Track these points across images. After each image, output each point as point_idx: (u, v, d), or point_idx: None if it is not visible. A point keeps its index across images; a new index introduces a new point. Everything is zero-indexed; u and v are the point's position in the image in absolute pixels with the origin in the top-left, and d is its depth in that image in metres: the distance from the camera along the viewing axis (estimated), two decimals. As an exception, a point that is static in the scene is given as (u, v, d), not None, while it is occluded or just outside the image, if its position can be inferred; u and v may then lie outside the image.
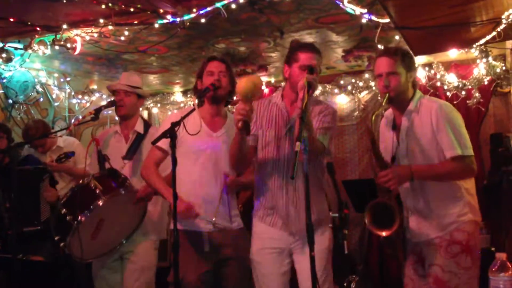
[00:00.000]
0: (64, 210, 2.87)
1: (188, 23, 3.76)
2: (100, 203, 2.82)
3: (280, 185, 2.55)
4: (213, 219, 2.71)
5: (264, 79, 5.83)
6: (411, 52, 2.71)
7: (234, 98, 3.10)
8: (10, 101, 4.94)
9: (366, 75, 5.29)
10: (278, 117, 2.63)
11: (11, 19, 3.80)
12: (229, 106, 5.12)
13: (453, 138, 2.49)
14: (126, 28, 3.94)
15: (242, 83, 2.38)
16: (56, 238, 2.87)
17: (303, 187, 2.51)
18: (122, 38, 4.11)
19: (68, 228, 2.80)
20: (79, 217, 2.79)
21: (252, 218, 2.74)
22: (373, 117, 2.57)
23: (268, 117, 2.66)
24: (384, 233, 2.50)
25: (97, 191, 2.87)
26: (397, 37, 4.10)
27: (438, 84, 4.94)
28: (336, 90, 5.45)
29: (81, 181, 2.98)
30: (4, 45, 4.29)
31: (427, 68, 4.97)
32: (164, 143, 2.60)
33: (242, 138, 2.46)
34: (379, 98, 5.25)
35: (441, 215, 2.56)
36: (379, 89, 2.66)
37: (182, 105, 6.36)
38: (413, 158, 2.58)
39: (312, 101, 2.63)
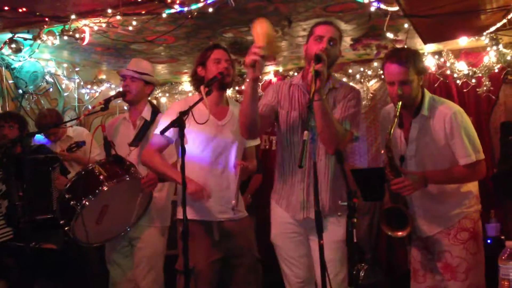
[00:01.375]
0: (68, 195, 2.90)
1: (195, 13, 3.75)
2: (104, 188, 2.86)
3: (302, 168, 2.48)
4: (233, 201, 2.69)
5: (272, 68, 5.81)
6: (419, 52, 2.70)
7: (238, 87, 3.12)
8: (20, 91, 4.98)
9: (375, 64, 5.25)
10: (300, 98, 2.61)
11: (20, 10, 3.82)
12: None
13: (467, 145, 2.54)
14: (134, 18, 3.94)
15: (264, 24, 2.28)
16: (62, 222, 2.92)
17: (326, 171, 2.53)
18: (130, 28, 4.12)
19: (72, 212, 2.85)
20: (83, 202, 2.82)
21: (270, 200, 2.75)
22: (391, 131, 2.56)
23: (291, 99, 2.63)
24: (398, 234, 2.59)
25: (101, 177, 2.90)
26: (406, 25, 4.06)
27: (448, 72, 4.89)
28: (344, 79, 5.42)
29: (85, 167, 3.02)
30: (13, 36, 4.31)
31: (436, 56, 4.93)
32: (168, 131, 2.60)
33: (253, 83, 2.32)
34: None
35: (449, 211, 2.63)
36: (391, 96, 2.66)
37: (190, 94, 6.36)
38: (422, 159, 2.63)
39: (337, 83, 2.62)
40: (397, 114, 2.55)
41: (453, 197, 2.63)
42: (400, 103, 2.55)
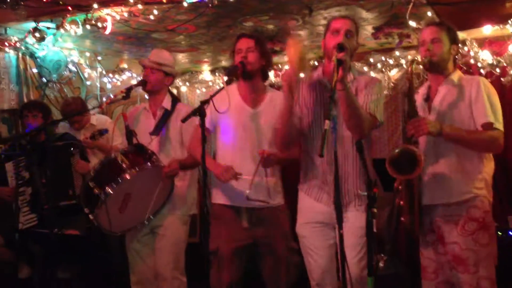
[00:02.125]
0: (92, 183, 2.96)
1: (216, 1, 3.75)
2: (127, 177, 2.91)
3: (328, 160, 2.52)
4: (247, 191, 2.71)
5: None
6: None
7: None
8: (44, 80, 5.05)
9: (397, 53, 5.18)
10: (322, 92, 2.62)
11: (44, -1, 3.87)
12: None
13: (488, 107, 2.53)
14: (155, 7, 3.95)
15: (294, 49, 2.41)
16: (86, 210, 2.98)
17: (351, 162, 2.56)
18: (151, 17, 4.13)
19: (96, 200, 2.90)
20: (106, 190, 2.87)
21: (298, 192, 2.77)
22: (413, 65, 2.59)
23: (312, 93, 2.65)
24: (406, 176, 2.51)
25: (124, 165, 2.95)
26: (429, 13, 4.00)
27: (472, 61, 4.81)
28: (365, 68, 5.36)
29: (108, 156, 3.07)
30: (37, 25, 4.37)
31: (460, 45, 4.84)
32: (206, 122, 2.64)
33: (290, 104, 2.47)
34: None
35: (459, 181, 2.58)
36: (421, 55, 2.67)
37: (210, 83, 6.39)
38: None
39: (356, 73, 2.64)
40: (425, 61, 2.58)
41: (466, 170, 2.59)
42: (429, 57, 2.57)
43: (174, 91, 6.57)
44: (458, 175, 2.59)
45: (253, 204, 2.80)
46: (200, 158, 2.85)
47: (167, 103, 3.37)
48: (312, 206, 2.66)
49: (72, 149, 3.73)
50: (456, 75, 2.66)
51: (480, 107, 2.54)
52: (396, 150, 2.51)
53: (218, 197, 2.92)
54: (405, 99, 2.62)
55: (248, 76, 2.90)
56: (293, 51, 2.42)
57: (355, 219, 2.52)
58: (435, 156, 2.63)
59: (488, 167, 2.65)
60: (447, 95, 2.63)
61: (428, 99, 2.71)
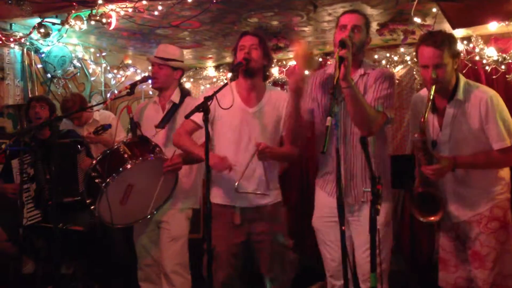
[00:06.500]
0: (93, 173, 2.95)
1: (221, -3, 3.75)
2: (128, 167, 2.89)
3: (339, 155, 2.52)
4: (236, 183, 2.73)
5: (297, 53, 5.77)
6: (454, 35, 2.64)
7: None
8: (49, 75, 5.07)
9: (401, 50, 5.18)
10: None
11: (49, -5, 3.88)
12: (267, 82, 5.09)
13: (502, 130, 2.50)
14: (160, 3, 3.95)
15: (300, 48, 2.44)
16: (88, 201, 2.97)
17: (360, 157, 2.57)
18: (156, 13, 4.14)
19: (97, 191, 2.89)
20: (107, 179, 2.86)
21: (315, 185, 2.81)
22: (426, 114, 2.51)
23: (323, 88, 2.66)
24: (430, 219, 2.56)
25: (125, 155, 2.93)
26: (434, 10, 3.98)
27: (477, 58, 4.79)
28: (370, 65, 5.34)
29: (111, 147, 3.06)
30: (42, 20, 4.38)
31: (465, 42, 4.82)
32: (197, 117, 2.66)
33: (297, 103, 2.52)
34: (414, 72, 5.16)
35: (481, 196, 2.60)
36: (424, 79, 2.62)
37: (214, 80, 6.39)
38: (456, 145, 2.59)
39: (369, 68, 2.62)
40: (431, 97, 2.51)
41: (485, 183, 2.60)
42: (434, 86, 2.51)
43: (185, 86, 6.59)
44: (479, 190, 2.60)
45: (247, 203, 2.83)
46: (189, 149, 2.89)
47: (176, 97, 3.36)
48: (326, 201, 2.68)
49: (79, 146, 3.73)
50: (461, 89, 2.58)
51: (492, 130, 2.51)
52: (417, 195, 2.57)
53: (215, 197, 2.91)
54: (420, 150, 2.55)
55: (250, 73, 2.87)
56: (298, 49, 2.44)
57: (367, 217, 2.51)
58: (455, 176, 2.61)
59: (505, 169, 2.67)
60: (457, 115, 2.58)
61: (435, 110, 2.66)
